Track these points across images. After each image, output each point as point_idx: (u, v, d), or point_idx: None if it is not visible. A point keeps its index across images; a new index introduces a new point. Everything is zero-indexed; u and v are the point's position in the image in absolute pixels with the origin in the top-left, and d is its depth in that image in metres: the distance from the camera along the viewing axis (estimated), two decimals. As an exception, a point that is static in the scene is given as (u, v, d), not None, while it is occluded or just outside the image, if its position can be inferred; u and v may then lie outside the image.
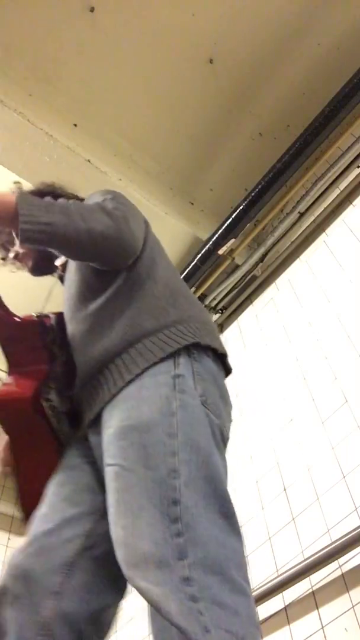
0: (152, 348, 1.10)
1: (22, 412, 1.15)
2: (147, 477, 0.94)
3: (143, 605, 0.93)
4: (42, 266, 1.51)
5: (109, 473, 0.99)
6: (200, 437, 1.00)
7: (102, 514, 1.04)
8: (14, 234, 1.10)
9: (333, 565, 1.69)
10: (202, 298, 3.05)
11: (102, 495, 1.04)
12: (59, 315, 1.29)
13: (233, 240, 2.85)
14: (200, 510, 0.93)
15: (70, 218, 1.13)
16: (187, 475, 0.95)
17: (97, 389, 1.12)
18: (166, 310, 1.18)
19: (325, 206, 2.71)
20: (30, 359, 1.20)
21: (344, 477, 1.83)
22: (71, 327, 1.25)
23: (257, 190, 2.79)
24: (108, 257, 1.20)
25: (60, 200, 1.28)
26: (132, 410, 1.02)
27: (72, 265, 1.34)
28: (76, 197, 1.61)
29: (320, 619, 1.66)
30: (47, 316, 1.26)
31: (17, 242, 1.10)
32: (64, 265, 1.41)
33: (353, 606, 1.59)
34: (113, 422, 1.04)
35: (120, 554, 0.92)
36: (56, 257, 1.46)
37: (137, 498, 0.93)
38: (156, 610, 0.87)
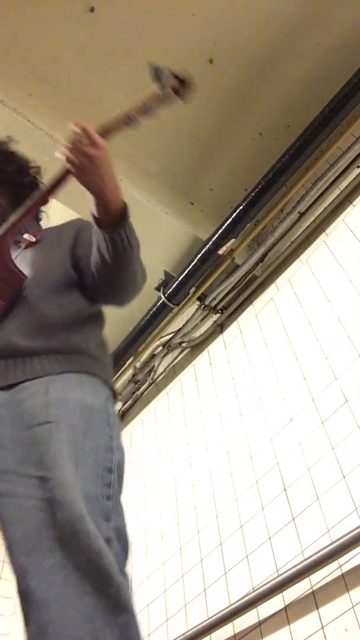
0: (93, 364, 1.22)
1: None
2: (91, 442, 1.05)
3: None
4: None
5: (47, 429, 1.03)
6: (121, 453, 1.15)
7: None
8: (99, 221, 1.20)
9: (333, 565, 1.70)
10: (202, 298, 3.05)
11: None
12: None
13: (233, 240, 2.85)
14: (118, 488, 1.07)
15: (138, 255, 1.32)
16: (117, 460, 1.09)
17: (29, 363, 1.15)
18: (107, 353, 1.33)
19: (325, 206, 2.71)
20: None
21: (344, 477, 1.84)
22: (35, 294, 1.28)
23: (257, 190, 2.79)
24: (127, 298, 1.36)
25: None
26: (77, 392, 1.11)
27: (48, 250, 1.39)
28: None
29: (320, 619, 1.67)
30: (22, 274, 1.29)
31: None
32: (34, 243, 1.42)
33: (353, 606, 1.59)
34: (52, 393, 1.09)
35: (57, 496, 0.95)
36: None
37: (80, 453, 1.02)
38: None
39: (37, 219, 1.61)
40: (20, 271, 1.27)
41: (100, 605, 0.86)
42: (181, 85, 1.37)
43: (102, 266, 1.25)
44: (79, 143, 1.21)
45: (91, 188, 1.23)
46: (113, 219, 1.22)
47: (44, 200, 1.34)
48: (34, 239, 1.42)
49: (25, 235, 1.43)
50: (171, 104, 1.38)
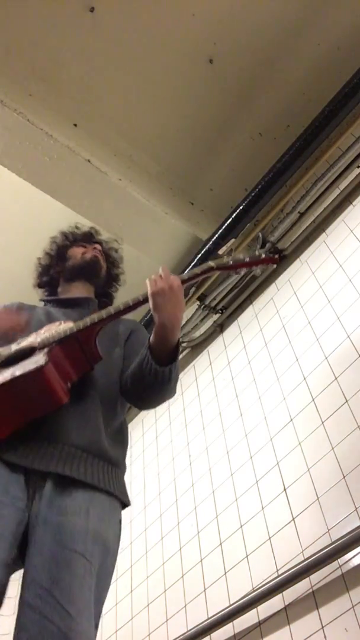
0: (121, 481, 1.37)
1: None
2: (104, 587, 1.20)
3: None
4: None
5: (82, 564, 1.14)
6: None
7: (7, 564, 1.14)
8: (153, 349, 1.42)
9: (333, 565, 1.70)
10: (202, 298, 3.05)
11: (15, 547, 1.16)
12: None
13: (233, 240, 2.85)
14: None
15: (175, 385, 1.52)
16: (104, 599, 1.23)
17: (82, 461, 1.28)
18: (125, 459, 1.49)
19: (325, 206, 2.71)
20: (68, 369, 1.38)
21: (344, 477, 1.84)
22: (101, 388, 1.45)
23: (257, 190, 2.79)
24: (149, 408, 1.64)
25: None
26: (104, 526, 1.24)
27: (107, 343, 1.55)
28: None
29: (320, 619, 1.67)
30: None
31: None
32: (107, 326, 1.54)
33: (353, 606, 1.59)
34: (92, 519, 1.21)
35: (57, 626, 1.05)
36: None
37: (96, 597, 1.15)
38: None
39: None
40: (99, 352, 1.42)
41: None
42: (270, 256, 1.58)
43: (139, 383, 1.45)
44: (165, 276, 1.42)
45: (161, 316, 1.40)
46: (166, 352, 1.42)
47: (131, 309, 1.49)
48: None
49: None
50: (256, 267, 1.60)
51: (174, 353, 1.44)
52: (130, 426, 3.27)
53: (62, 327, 1.42)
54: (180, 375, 3.13)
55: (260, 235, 2.72)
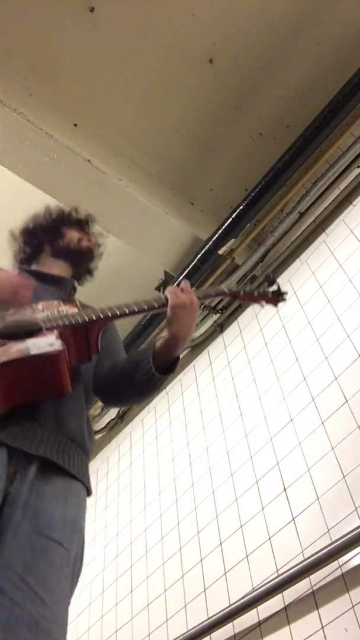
0: (87, 471, 1.36)
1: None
2: (76, 577, 1.19)
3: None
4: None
5: (60, 552, 1.13)
6: None
7: None
8: (156, 359, 1.45)
9: (333, 565, 1.70)
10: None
11: None
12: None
13: (233, 240, 2.85)
14: None
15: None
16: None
17: (67, 450, 1.29)
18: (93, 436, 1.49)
19: (325, 206, 2.71)
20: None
21: (344, 477, 1.84)
22: (79, 375, 1.43)
23: (257, 190, 2.79)
24: (133, 403, 1.63)
25: None
26: (80, 514, 1.25)
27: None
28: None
29: (320, 619, 1.66)
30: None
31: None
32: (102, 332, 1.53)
33: (353, 606, 1.59)
34: (70, 508, 1.21)
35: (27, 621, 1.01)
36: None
37: (61, 582, 1.10)
38: None
39: None
40: (98, 345, 1.42)
41: None
42: (276, 297, 1.68)
43: (129, 383, 1.47)
44: (187, 291, 1.45)
45: (178, 328, 1.44)
46: (168, 362, 1.46)
47: (140, 312, 1.50)
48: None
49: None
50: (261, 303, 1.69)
51: (174, 364, 1.49)
52: (130, 426, 3.30)
53: (67, 310, 1.40)
54: (180, 375, 3.14)
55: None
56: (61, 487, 1.22)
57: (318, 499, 1.89)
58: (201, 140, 3.00)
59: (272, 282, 1.66)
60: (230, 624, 1.94)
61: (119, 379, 1.49)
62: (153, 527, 2.66)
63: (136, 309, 1.44)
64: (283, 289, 1.67)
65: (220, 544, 2.20)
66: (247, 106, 2.91)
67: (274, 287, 1.67)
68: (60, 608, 1.07)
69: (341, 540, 1.67)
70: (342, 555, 1.67)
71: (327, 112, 2.62)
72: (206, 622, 1.99)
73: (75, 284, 1.82)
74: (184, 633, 2.07)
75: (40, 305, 1.40)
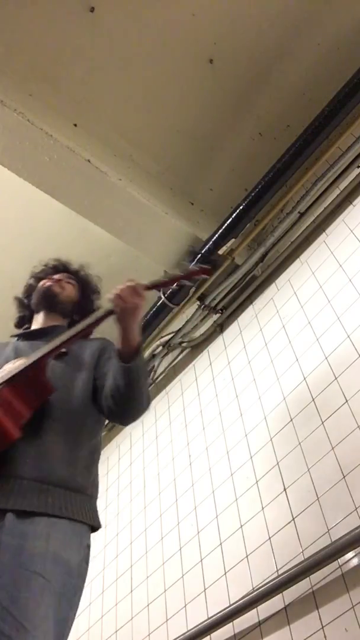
0: (87, 508, 1.42)
1: None
2: (66, 607, 1.26)
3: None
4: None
5: (41, 583, 1.20)
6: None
7: None
8: (120, 353, 1.50)
9: (333, 565, 1.70)
10: (202, 298, 3.05)
11: None
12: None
13: (233, 240, 2.85)
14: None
15: (147, 383, 1.62)
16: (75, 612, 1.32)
17: (43, 494, 1.34)
18: (97, 487, 1.55)
19: (325, 206, 2.71)
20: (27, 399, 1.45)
21: (344, 477, 1.84)
22: (59, 416, 1.50)
23: (257, 190, 2.79)
24: (133, 418, 1.62)
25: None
26: (66, 549, 1.30)
27: (74, 367, 1.64)
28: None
29: (320, 619, 1.67)
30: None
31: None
32: (63, 354, 1.63)
33: (353, 606, 1.59)
34: (52, 543, 1.27)
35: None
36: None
37: (42, 610, 1.18)
38: None
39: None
40: (51, 384, 1.48)
41: None
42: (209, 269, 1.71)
43: (116, 390, 1.51)
44: (129, 294, 1.50)
45: (124, 327, 1.51)
46: (131, 353, 1.50)
47: (88, 332, 1.61)
48: (65, 351, 1.63)
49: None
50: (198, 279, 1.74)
51: (140, 351, 1.54)
52: (130, 426, 3.29)
53: (16, 364, 1.51)
54: (180, 375, 3.14)
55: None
56: (44, 526, 1.29)
57: (318, 499, 1.89)
58: (201, 140, 3.00)
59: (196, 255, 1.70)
60: (230, 624, 1.95)
61: (113, 397, 1.54)
62: (153, 527, 2.66)
63: (73, 333, 1.53)
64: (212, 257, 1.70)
65: (220, 544, 2.20)
66: (247, 106, 2.91)
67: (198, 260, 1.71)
68: (40, 632, 1.15)
69: (341, 540, 1.67)
70: (342, 555, 1.67)
71: (327, 112, 2.62)
72: (206, 622, 1.99)
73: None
74: (184, 633, 2.07)
75: (3, 368, 1.53)
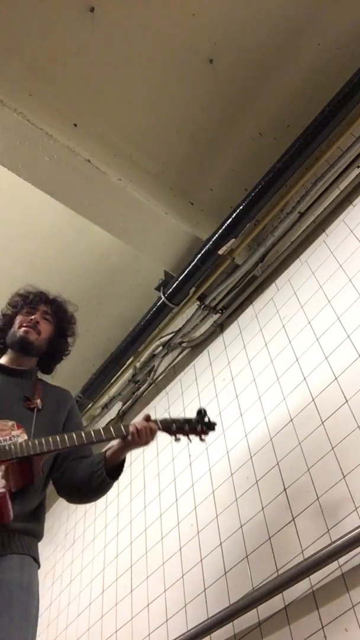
0: (37, 547, 1.72)
1: None
2: (31, 618, 1.55)
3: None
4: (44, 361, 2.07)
5: (8, 603, 1.47)
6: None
7: None
8: (105, 473, 1.76)
9: (333, 565, 1.70)
10: (202, 298, 3.05)
11: None
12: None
13: (233, 240, 2.85)
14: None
15: None
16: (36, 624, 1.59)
17: (18, 540, 1.63)
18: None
19: (325, 206, 2.71)
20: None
21: (344, 477, 1.84)
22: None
23: (257, 190, 2.79)
24: (90, 501, 1.94)
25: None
26: (33, 579, 1.61)
27: (48, 426, 1.83)
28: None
29: (320, 619, 1.67)
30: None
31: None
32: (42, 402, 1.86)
33: (353, 606, 1.59)
34: (25, 574, 1.58)
35: None
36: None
37: (22, 633, 1.47)
38: None
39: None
40: (42, 471, 1.70)
41: None
42: (206, 431, 1.90)
43: (85, 490, 1.78)
44: (147, 434, 1.75)
45: (125, 450, 1.77)
46: (117, 465, 1.79)
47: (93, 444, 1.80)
48: (40, 406, 1.83)
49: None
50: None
51: (122, 466, 1.80)
52: (130, 426, 3.29)
53: (18, 436, 1.65)
54: (180, 375, 3.14)
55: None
56: (17, 560, 1.58)
57: (318, 499, 1.89)
58: (201, 140, 3.00)
59: (202, 416, 1.88)
60: (230, 624, 1.94)
61: (78, 489, 1.79)
62: (153, 527, 2.66)
63: (85, 441, 1.68)
64: (212, 420, 1.89)
65: (220, 544, 2.20)
66: (247, 106, 2.90)
67: (205, 419, 1.88)
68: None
69: (341, 540, 1.67)
70: (342, 555, 1.67)
71: (327, 112, 2.62)
72: (206, 622, 1.99)
73: (38, 373, 2.03)
74: (184, 633, 2.07)
75: None
